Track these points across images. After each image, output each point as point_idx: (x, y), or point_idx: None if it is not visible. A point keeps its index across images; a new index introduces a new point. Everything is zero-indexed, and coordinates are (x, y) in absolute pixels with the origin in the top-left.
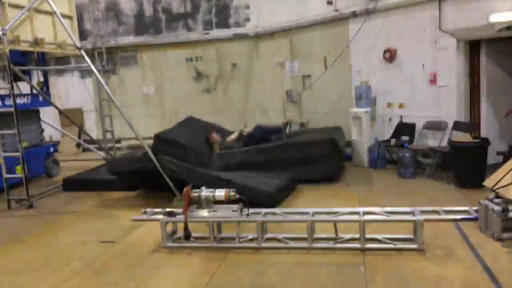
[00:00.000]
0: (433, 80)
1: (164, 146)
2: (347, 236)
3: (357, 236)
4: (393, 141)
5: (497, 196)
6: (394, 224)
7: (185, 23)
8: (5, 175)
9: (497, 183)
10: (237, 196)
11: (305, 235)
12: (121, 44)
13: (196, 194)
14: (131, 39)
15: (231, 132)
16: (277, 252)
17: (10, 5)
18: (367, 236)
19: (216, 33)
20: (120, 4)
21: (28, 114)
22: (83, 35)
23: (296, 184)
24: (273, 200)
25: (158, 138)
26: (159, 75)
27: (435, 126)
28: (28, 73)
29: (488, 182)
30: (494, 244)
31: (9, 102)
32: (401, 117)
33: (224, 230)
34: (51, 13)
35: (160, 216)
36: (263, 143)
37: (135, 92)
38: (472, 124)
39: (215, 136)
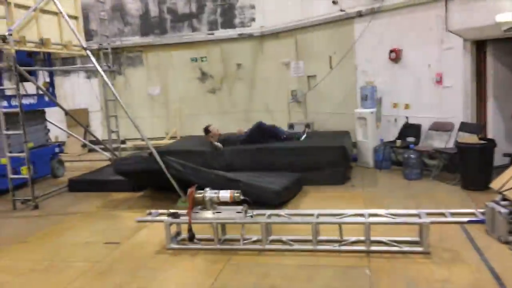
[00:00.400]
0: (439, 81)
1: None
2: (352, 238)
3: (362, 238)
4: (398, 142)
5: (504, 199)
6: (400, 226)
7: (190, 23)
8: (11, 176)
9: (503, 185)
10: (242, 197)
11: (310, 237)
12: (126, 44)
13: (201, 195)
14: (136, 40)
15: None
16: (281, 254)
17: (16, 5)
18: (372, 238)
19: (221, 33)
20: (125, 4)
21: (34, 114)
22: (88, 35)
23: (302, 185)
24: (280, 198)
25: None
26: (164, 75)
27: (441, 127)
28: (34, 73)
29: (495, 184)
30: (500, 247)
31: (15, 102)
32: (406, 118)
33: (228, 231)
34: (57, 14)
35: (165, 218)
36: (270, 139)
37: (141, 93)
38: (478, 125)
39: (213, 128)
